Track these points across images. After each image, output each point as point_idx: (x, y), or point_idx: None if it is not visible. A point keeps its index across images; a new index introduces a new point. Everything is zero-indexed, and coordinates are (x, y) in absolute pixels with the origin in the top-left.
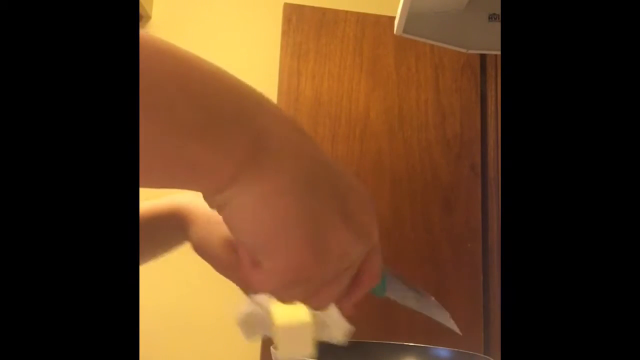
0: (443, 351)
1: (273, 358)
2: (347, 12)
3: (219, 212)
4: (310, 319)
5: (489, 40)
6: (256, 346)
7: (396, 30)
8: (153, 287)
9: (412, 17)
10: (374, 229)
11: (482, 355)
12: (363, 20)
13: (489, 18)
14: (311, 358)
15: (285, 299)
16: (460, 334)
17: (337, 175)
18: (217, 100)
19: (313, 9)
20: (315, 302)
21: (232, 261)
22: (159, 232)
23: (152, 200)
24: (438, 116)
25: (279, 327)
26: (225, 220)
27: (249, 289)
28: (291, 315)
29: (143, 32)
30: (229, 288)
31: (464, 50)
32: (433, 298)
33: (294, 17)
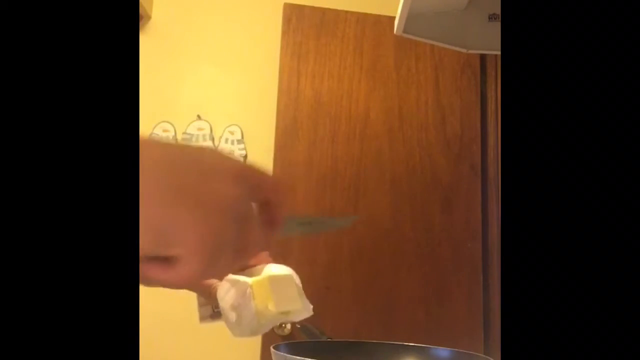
0: (443, 351)
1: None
2: (347, 12)
3: None
4: (289, 272)
5: (489, 40)
6: (256, 346)
7: (396, 30)
8: (153, 287)
9: (412, 17)
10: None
11: (482, 355)
12: (363, 20)
13: (489, 18)
14: (299, 310)
15: (216, 273)
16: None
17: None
18: None
19: (313, 9)
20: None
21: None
22: None
23: None
24: (438, 116)
25: (271, 277)
26: None
27: (180, 287)
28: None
29: None
30: None
31: (464, 50)
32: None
33: (294, 17)
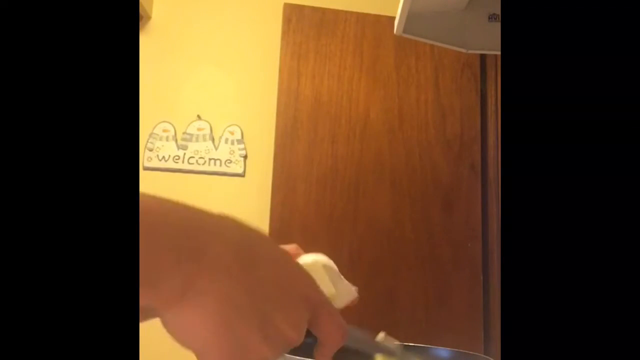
0: (443, 351)
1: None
2: (347, 12)
3: (163, 324)
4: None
5: (489, 40)
6: None
7: (396, 30)
8: None
9: (412, 17)
10: (301, 325)
11: (482, 355)
12: (363, 20)
13: (489, 18)
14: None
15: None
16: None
17: (267, 291)
18: (155, 246)
19: (313, 9)
20: None
21: None
22: None
23: None
24: (438, 116)
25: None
26: (168, 331)
27: None
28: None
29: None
30: None
31: (464, 50)
32: (381, 339)
33: (294, 17)
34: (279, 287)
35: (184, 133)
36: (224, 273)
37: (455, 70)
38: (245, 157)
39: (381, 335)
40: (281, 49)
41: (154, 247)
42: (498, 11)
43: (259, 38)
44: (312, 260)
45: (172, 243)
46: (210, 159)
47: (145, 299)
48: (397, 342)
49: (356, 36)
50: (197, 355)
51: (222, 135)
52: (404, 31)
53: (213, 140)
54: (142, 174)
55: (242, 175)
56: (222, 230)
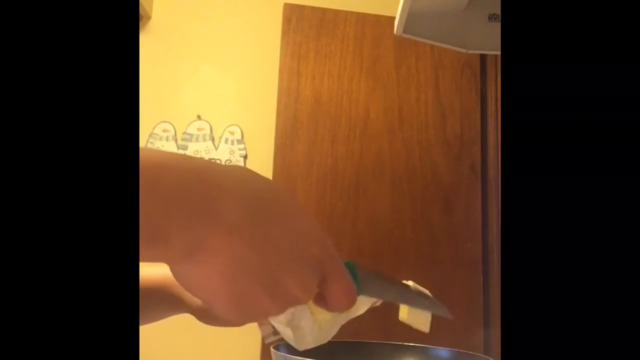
0: (443, 351)
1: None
2: (347, 12)
3: (172, 273)
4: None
5: (489, 40)
6: (256, 346)
7: (396, 30)
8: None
9: (412, 17)
10: (310, 286)
11: (482, 355)
12: (363, 20)
13: (489, 18)
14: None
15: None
16: (452, 317)
17: (278, 251)
18: (164, 206)
19: (313, 9)
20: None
21: None
22: (144, 309)
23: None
24: (438, 116)
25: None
26: (177, 280)
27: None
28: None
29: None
30: None
31: (464, 50)
32: (411, 286)
33: (294, 17)
34: (290, 247)
35: (184, 133)
36: (234, 233)
37: (455, 70)
38: (245, 157)
39: (411, 283)
40: (281, 49)
41: (165, 204)
42: (498, 11)
43: (259, 38)
44: None
45: (184, 200)
46: (210, 159)
47: (154, 255)
48: (427, 292)
49: (356, 36)
50: (205, 305)
51: (222, 135)
52: (404, 31)
53: (213, 140)
54: None
55: None
56: (235, 186)
